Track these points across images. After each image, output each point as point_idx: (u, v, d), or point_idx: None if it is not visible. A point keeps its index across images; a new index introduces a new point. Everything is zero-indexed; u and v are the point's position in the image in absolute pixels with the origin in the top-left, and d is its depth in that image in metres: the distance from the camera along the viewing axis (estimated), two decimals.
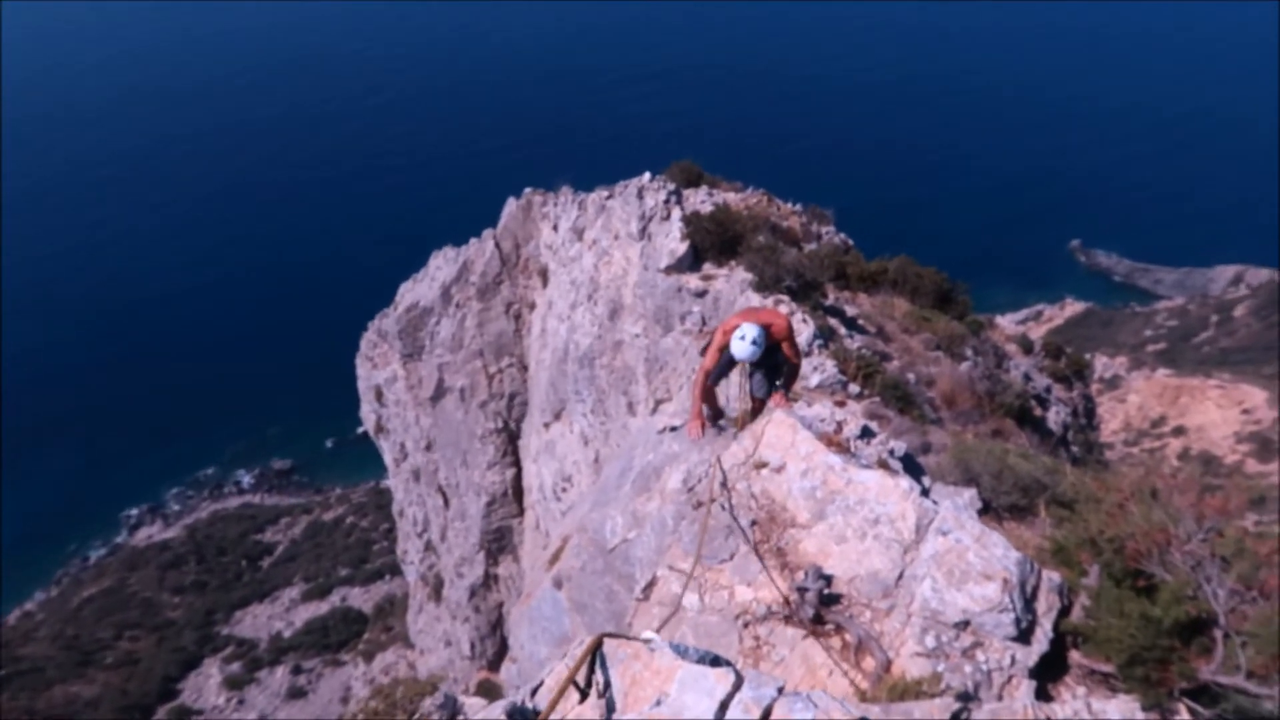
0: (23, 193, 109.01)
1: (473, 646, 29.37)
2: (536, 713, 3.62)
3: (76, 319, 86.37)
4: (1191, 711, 4.70)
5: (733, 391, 8.96)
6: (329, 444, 70.33)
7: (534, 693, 3.82)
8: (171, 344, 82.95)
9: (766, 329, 7.47)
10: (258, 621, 49.46)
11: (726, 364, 7.91)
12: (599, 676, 3.61)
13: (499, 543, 27.59)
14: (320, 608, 49.18)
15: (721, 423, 8.49)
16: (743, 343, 7.33)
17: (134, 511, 64.63)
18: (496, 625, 28.68)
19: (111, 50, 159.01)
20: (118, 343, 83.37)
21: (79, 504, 64.18)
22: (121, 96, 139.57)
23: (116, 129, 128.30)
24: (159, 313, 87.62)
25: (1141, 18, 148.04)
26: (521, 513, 26.71)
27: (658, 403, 15.55)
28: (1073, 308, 79.56)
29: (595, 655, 3.68)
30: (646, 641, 3.75)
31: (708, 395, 8.25)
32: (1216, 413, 47.80)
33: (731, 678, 3.44)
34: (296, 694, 42.31)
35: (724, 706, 3.33)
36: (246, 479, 68.27)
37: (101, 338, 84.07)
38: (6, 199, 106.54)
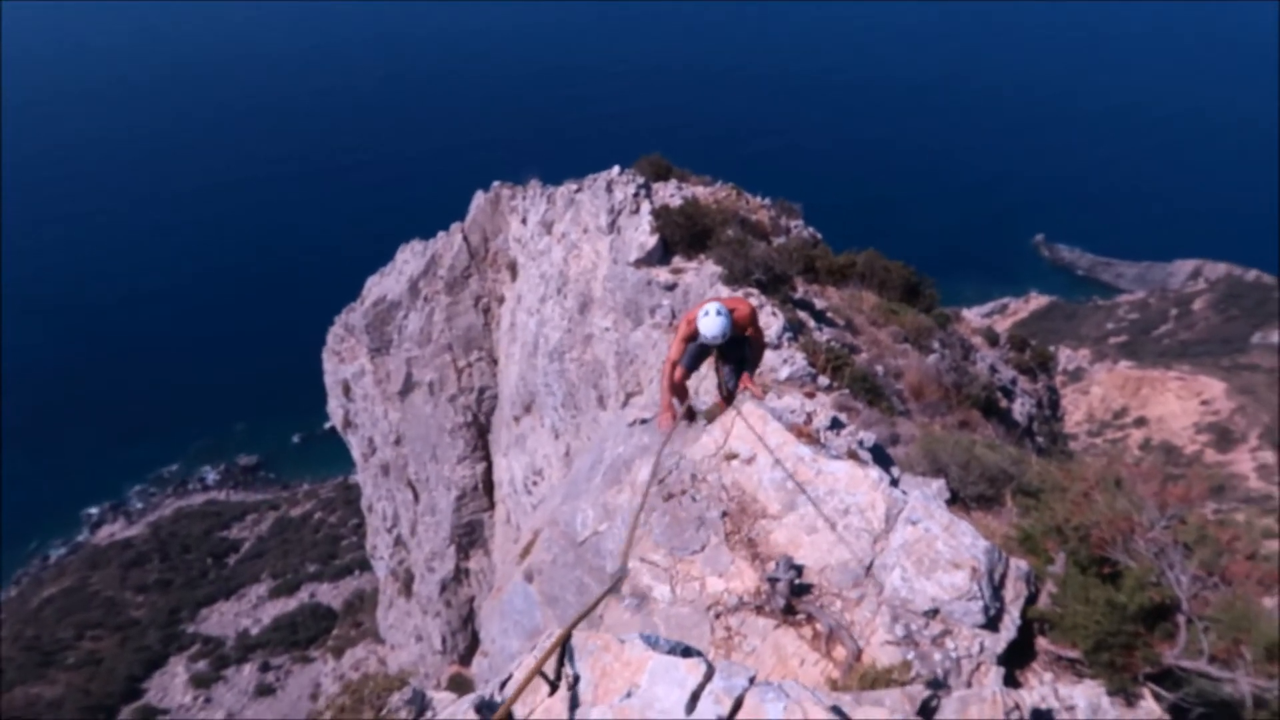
0: None
1: (444, 641, 29.24)
2: None
3: (36, 317, 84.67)
4: (1155, 695, 4.76)
5: (704, 385, 8.94)
6: (296, 439, 69.58)
7: (503, 686, 3.79)
8: (134, 340, 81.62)
9: (731, 314, 7.27)
10: (224, 619, 48.87)
11: (697, 351, 7.71)
12: (568, 669, 3.58)
13: (470, 537, 27.48)
14: (288, 604, 48.71)
15: (693, 415, 8.39)
16: (708, 318, 7.09)
17: (95, 509, 63.53)
18: (468, 619, 28.57)
19: (72, 48, 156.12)
20: (79, 340, 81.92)
21: (39, 502, 62.96)
22: (78, 94, 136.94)
23: (69, 129, 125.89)
24: (120, 310, 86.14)
25: (1105, 18, 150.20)
26: (492, 507, 26.61)
27: (628, 396, 15.53)
28: (1037, 301, 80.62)
29: (564, 648, 3.65)
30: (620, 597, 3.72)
31: (678, 389, 8.03)
32: (1176, 404, 48.62)
33: (703, 668, 3.43)
34: (265, 691, 41.90)
35: (695, 697, 3.32)
36: (211, 475, 67.32)
37: (62, 335, 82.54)
38: None
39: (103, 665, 44.35)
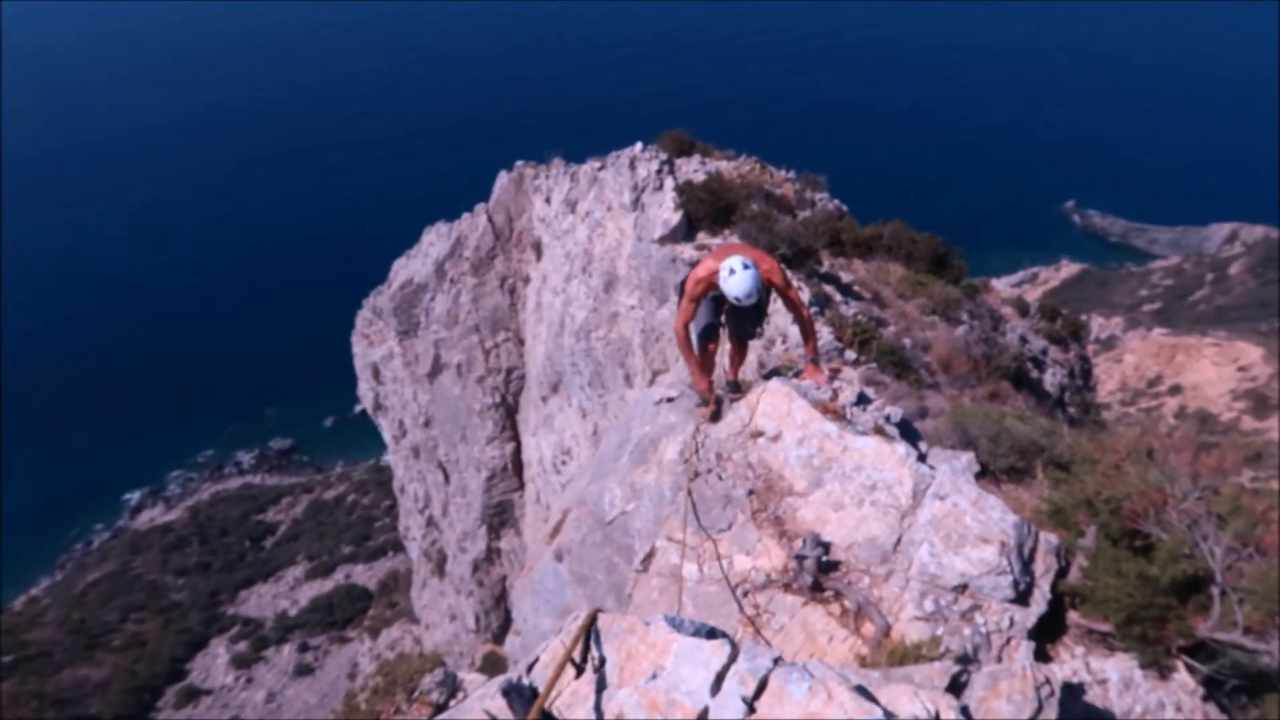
0: (12, 176, 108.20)
1: (477, 620, 29.58)
2: (533, 689, 3.62)
3: (68, 304, 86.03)
4: (1189, 668, 4.72)
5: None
6: (328, 423, 70.30)
7: (529, 669, 3.83)
8: (166, 327, 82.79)
9: (757, 267, 6.54)
10: (263, 601, 49.74)
11: (712, 311, 7.05)
12: (594, 651, 3.61)
13: (500, 517, 27.70)
14: (324, 585, 49.47)
15: (720, 391, 8.08)
16: (735, 276, 6.38)
17: (135, 495, 64.69)
18: (500, 598, 28.85)
19: (99, 32, 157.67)
20: (112, 326, 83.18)
21: (79, 489, 64.22)
22: (106, 79, 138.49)
23: (102, 111, 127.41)
24: (152, 296, 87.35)
25: None
26: (522, 487, 26.80)
27: (654, 374, 15.53)
28: (1068, 269, 79.42)
29: (590, 630, 3.67)
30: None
31: (706, 363, 7.56)
32: (1213, 370, 47.83)
33: (727, 650, 3.44)
34: (304, 671, 42.67)
35: (720, 679, 3.33)
36: (246, 460, 68.26)
37: (95, 322, 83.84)
38: None
39: (147, 647, 45.36)
